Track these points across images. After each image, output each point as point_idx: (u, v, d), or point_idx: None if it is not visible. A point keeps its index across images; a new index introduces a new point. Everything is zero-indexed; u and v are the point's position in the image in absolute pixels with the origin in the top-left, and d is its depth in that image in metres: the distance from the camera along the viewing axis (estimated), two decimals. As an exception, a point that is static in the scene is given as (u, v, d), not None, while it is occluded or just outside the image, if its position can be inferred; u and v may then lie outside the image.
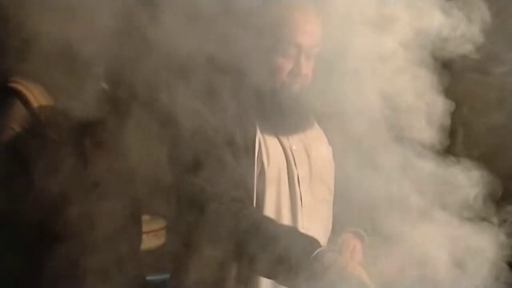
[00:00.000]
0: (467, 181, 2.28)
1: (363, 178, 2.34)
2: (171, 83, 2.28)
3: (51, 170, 2.35)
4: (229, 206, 2.24)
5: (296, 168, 2.41)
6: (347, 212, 2.45)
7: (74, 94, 2.41)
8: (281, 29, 2.33)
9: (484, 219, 2.31)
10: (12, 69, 2.45)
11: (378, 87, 2.29)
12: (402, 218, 2.29)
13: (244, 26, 2.28)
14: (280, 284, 2.27)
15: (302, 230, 2.32)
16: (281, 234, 2.20)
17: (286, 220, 2.39)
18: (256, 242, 2.17)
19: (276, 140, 2.41)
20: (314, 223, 2.42)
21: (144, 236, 2.64)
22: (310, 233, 2.29)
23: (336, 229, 2.50)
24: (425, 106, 2.29)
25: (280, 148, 2.41)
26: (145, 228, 2.67)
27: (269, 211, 2.37)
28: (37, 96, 2.42)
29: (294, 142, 2.43)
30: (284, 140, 2.42)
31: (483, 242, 2.28)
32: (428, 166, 2.30)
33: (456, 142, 2.90)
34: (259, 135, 2.37)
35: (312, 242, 2.19)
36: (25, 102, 2.41)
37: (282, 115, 2.39)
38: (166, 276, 2.58)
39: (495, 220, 2.32)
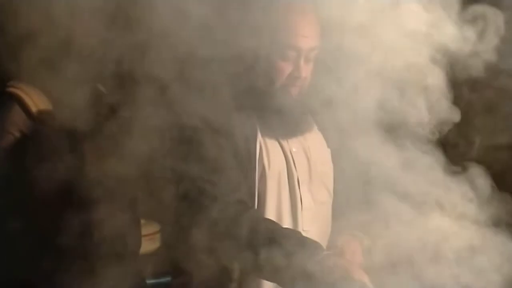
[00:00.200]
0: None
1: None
2: (171, 83, 2.28)
3: (49, 174, 2.35)
4: (232, 208, 2.25)
5: (296, 170, 2.42)
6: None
7: (71, 97, 2.41)
8: (280, 33, 2.33)
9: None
10: (10, 73, 2.44)
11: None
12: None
13: (243, 28, 2.28)
14: (283, 288, 2.28)
15: (302, 233, 2.32)
16: (285, 237, 2.20)
17: (286, 222, 2.39)
18: (260, 245, 2.18)
19: (276, 143, 2.42)
20: (314, 225, 2.43)
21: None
22: (310, 235, 2.30)
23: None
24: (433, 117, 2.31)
25: (280, 151, 2.42)
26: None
27: (270, 213, 2.37)
28: (35, 101, 2.42)
29: (294, 144, 2.44)
30: (284, 142, 2.43)
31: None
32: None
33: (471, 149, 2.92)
34: (259, 138, 2.38)
35: (317, 246, 2.20)
36: (24, 107, 2.41)
37: (282, 118, 2.39)
38: (166, 279, 2.58)
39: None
